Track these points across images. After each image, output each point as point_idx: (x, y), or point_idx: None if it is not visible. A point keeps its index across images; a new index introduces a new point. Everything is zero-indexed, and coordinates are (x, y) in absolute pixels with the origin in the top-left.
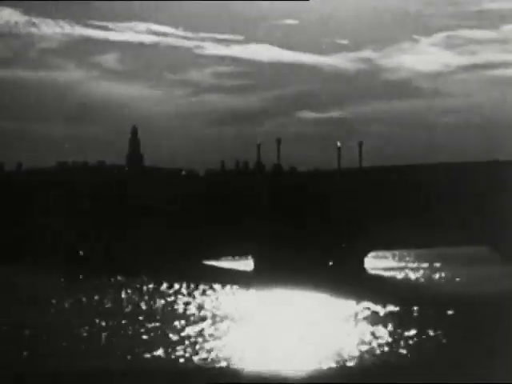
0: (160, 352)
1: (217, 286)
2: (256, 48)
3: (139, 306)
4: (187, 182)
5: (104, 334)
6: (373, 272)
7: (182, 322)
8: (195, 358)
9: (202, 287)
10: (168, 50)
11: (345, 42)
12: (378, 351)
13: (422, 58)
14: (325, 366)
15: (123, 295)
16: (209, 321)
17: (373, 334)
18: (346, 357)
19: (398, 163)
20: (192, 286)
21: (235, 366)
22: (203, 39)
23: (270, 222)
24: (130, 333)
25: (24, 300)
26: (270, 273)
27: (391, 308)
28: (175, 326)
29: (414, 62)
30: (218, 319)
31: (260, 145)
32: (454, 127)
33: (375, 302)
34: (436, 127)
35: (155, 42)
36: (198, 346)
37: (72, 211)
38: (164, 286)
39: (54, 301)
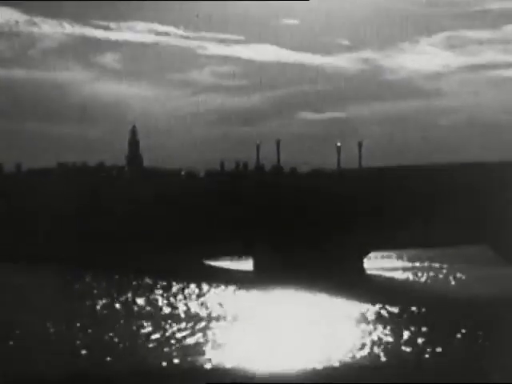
0: (160, 352)
1: (216, 286)
2: (257, 48)
3: (138, 306)
4: (187, 183)
5: (102, 336)
6: (372, 272)
7: (181, 321)
8: (195, 358)
9: (201, 287)
10: (169, 50)
11: (345, 42)
12: (377, 352)
13: (422, 58)
14: (323, 367)
15: (121, 295)
16: (208, 321)
17: (372, 334)
18: (344, 357)
19: (398, 163)
20: (191, 285)
21: (235, 366)
22: (204, 39)
23: (269, 222)
24: (129, 333)
25: (18, 301)
26: (270, 273)
27: (391, 309)
28: (174, 326)
29: (415, 62)
30: (217, 319)
31: (259, 145)
32: (454, 127)
33: (374, 302)
34: (436, 127)
35: (156, 42)
36: (197, 346)
37: (72, 212)
38: (163, 285)
39: (51, 302)
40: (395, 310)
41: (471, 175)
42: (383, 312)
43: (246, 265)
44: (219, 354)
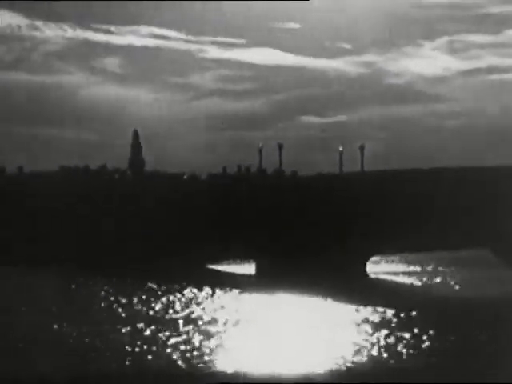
0: (161, 354)
1: (218, 290)
2: (258, 52)
3: (140, 309)
4: (189, 186)
5: (103, 337)
6: (374, 276)
7: (184, 324)
8: (196, 361)
9: (203, 291)
10: (170, 54)
11: (347, 45)
12: (379, 355)
13: (424, 62)
14: (325, 370)
15: (122, 298)
16: (210, 324)
17: (375, 337)
18: (346, 361)
19: (400, 167)
20: (194, 289)
21: (236, 369)
22: (205, 43)
23: (271, 226)
24: (130, 335)
25: (20, 302)
26: (272, 277)
27: (393, 312)
28: (176, 329)
29: (417, 66)
30: (219, 322)
31: (262, 149)
32: (456, 131)
33: (377, 306)
34: (438, 131)
35: (157, 46)
36: (199, 349)
37: (74, 214)
38: (165, 289)
39: (50, 303)
40: (398, 313)
41: (472, 179)
42: (386, 316)
43: (249, 269)
44: (220, 357)
